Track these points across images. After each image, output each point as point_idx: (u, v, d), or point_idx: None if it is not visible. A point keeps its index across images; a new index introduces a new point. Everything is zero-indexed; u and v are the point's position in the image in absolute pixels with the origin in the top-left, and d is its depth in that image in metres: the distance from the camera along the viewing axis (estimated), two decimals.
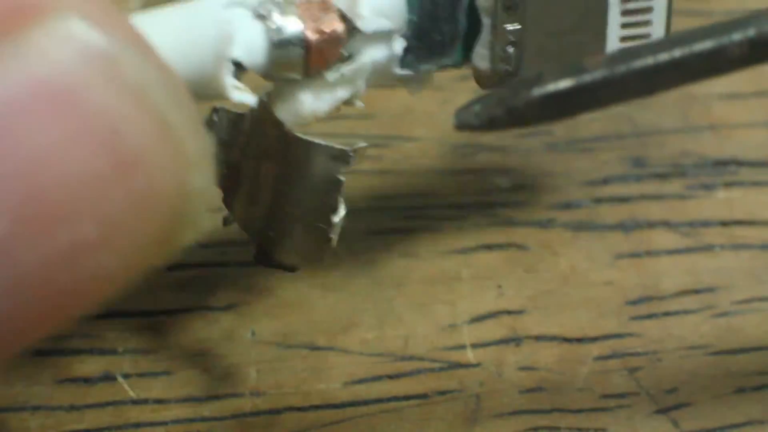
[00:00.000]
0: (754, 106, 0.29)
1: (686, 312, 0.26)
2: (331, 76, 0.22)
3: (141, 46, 0.19)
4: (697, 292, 0.27)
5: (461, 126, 0.22)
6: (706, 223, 0.27)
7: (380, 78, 0.23)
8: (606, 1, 0.24)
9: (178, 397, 0.25)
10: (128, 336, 0.25)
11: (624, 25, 0.24)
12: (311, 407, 0.25)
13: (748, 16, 0.21)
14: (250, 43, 0.21)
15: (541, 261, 0.27)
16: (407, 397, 0.25)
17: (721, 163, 0.28)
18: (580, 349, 0.26)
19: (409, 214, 0.28)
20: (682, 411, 0.25)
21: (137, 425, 0.25)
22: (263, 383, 0.25)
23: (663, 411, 0.25)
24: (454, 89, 0.29)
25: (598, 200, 0.28)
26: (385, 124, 0.28)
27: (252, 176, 0.23)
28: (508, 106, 0.21)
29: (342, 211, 0.22)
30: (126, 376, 0.25)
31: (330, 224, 0.22)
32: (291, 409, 0.25)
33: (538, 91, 0.21)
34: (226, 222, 0.24)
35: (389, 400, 0.25)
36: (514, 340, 0.26)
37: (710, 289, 0.27)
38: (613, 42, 0.24)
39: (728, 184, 0.28)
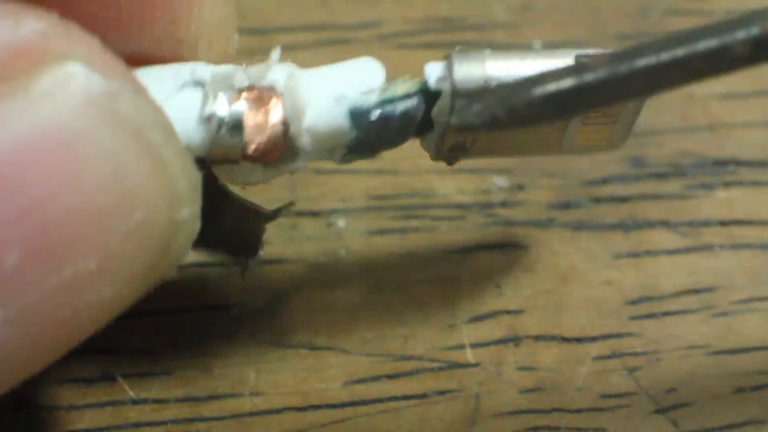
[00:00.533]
0: (753, 105, 0.29)
1: (685, 312, 0.26)
2: (270, 169, 0.23)
3: (137, 87, 0.19)
4: (696, 291, 0.27)
5: (462, 126, 0.22)
6: (705, 223, 0.28)
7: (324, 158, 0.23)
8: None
9: (177, 397, 0.25)
10: (128, 336, 0.25)
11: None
12: (311, 407, 0.25)
13: (752, 14, 0.21)
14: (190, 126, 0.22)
15: (540, 261, 0.27)
16: (406, 397, 0.25)
17: (721, 163, 0.28)
18: (579, 349, 0.26)
19: (409, 214, 0.28)
20: (682, 411, 0.25)
21: (137, 425, 0.25)
22: (263, 383, 0.25)
23: (662, 411, 0.25)
24: None
25: (598, 200, 0.28)
26: None
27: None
28: (509, 106, 0.21)
29: (259, 257, 0.23)
30: (126, 376, 0.25)
31: (246, 269, 0.23)
32: (290, 409, 0.25)
33: (539, 91, 0.21)
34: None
35: (388, 399, 0.25)
36: (514, 340, 0.26)
37: (709, 289, 0.27)
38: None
39: (727, 184, 0.28)
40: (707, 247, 0.27)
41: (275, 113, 0.23)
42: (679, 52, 0.21)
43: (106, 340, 0.25)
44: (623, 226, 0.28)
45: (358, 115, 0.23)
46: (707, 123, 0.29)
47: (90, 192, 0.18)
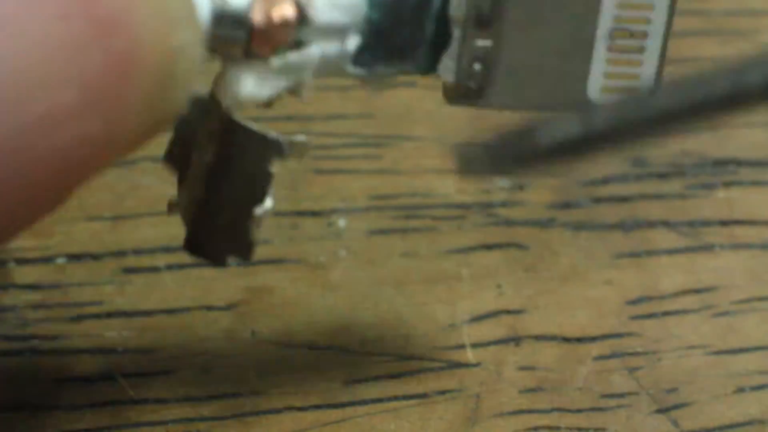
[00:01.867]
0: None
1: (686, 311, 0.26)
2: (275, 61, 0.21)
3: None
4: (696, 291, 0.27)
5: (466, 173, 0.21)
6: (705, 223, 0.28)
7: (331, 72, 0.22)
8: (593, 35, 0.23)
9: (178, 397, 0.25)
10: (128, 336, 0.25)
11: (610, 61, 0.23)
12: (311, 407, 0.25)
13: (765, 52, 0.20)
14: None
15: (540, 261, 0.27)
16: (407, 397, 0.25)
17: (721, 163, 0.28)
18: (579, 348, 0.26)
19: (409, 214, 0.28)
20: (682, 410, 0.25)
21: (137, 425, 0.25)
22: (263, 383, 0.25)
23: (663, 410, 0.25)
24: None
25: (598, 200, 0.28)
26: (385, 123, 0.28)
27: (195, 163, 0.23)
28: (515, 155, 0.20)
29: (267, 206, 0.21)
30: (126, 376, 0.25)
31: (253, 218, 0.21)
32: (291, 408, 0.25)
33: (546, 140, 0.20)
34: (170, 209, 0.23)
35: (389, 399, 0.25)
36: (514, 340, 0.26)
37: (710, 289, 0.27)
38: (597, 77, 0.23)
39: (728, 184, 0.28)
40: (708, 247, 0.27)
41: None
42: (691, 99, 0.19)
43: (106, 340, 0.25)
44: (624, 226, 0.28)
45: None
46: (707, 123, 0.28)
47: (53, 17, 0.17)
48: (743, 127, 0.29)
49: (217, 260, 0.22)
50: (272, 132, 0.22)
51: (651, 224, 0.27)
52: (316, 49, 0.21)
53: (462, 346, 0.26)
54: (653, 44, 0.23)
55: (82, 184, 0.19)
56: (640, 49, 0.23)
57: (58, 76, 0.17)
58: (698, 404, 0.25)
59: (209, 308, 0.26)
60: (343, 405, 0.25)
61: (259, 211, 0.21)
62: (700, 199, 0.28)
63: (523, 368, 0.26)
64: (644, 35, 0.23)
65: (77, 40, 0.17)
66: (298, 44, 0.21)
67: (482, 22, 0.22)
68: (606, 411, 0.25)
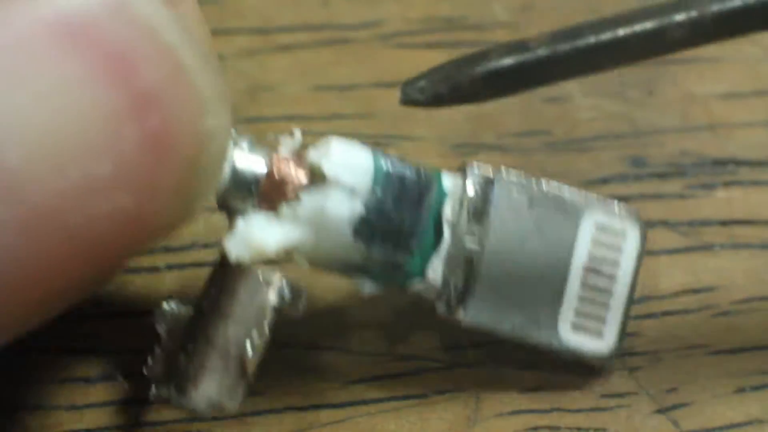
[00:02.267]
0: (753, 105, 0.29)
1: (686, 311, 0.26)
2: (285, 209, 0.23)
3: None
4: (696, 291, 0.27)
5: (407, 101, 0.22)
6: (705, 223, 0.27)
7: (330, 243, 0.23)
8: (567, 269, 0.24)
9: None
10: (128, 336, 0.25)
11: (582, 299, 0.24)
12: (311, 407, 0.25)
13: None
14: None
15: None
16: (407, 397, 0.25)
17: (721, 163, 0.28)
18: None
19: None
20: (682, 410, 0.25)
21: (137, 425, 0.25)
22: (263, 383, 0.25)
23: (663, 411, 0.25)
24: None
25: None
26: (385, 123, 0.28)
27: (191, 323, 0.24)
28: (452, 83, 0.21)
29: (262, 342, 0.22)
30: (126, 376, 0.25)
31: (247, 356, 0.22)
32: (291, 408, 0.25)
33: (482, 68, 0.21)
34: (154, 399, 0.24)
35: (389, 399, 0.25)
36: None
37: (710, 289, 0.27)
38: (568, 313, 0.24)
39: (728, 184, 0.28)
40: (707, 247, 0.27)
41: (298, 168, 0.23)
42: (620, 32, 0.21)
43: (106, 340, 0.25)
44: None
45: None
46: (707, 123, 0.29)
47: (96, 90, 0.18)
48: (743, 127, 0.29)
49: (199, 411, 0.22)
50: (276, 278, 0.23)
51: (651, 224, 0.27)
52: (322, 202, 0.23)
53: (462, 346, 0.26)
54: (619, 294, 0.25)
55: (113, 266, 0.19)
56: (609, 294, 0.25)
57: (96, 147, 0.18)
58: (698, 404, 0.25)
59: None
60: (343, 405, 0.25)
61: (251, 351, 0.22)
62: (700, 199, 0.28)
63: (523, 368, 0.26)
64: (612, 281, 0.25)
65: (116, 113, 0.18)
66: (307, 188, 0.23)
67: (475, 215, 0.24)
68: (606, 411, 0.25)
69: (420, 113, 0.28)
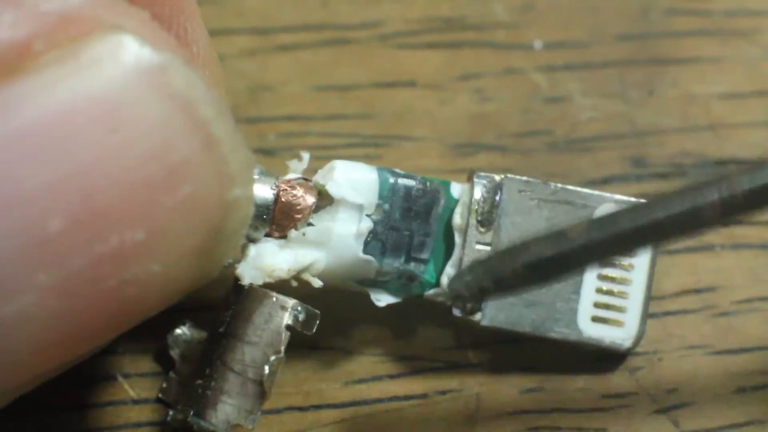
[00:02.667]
0: (754, 105, 0.29)
1: (686, 312, 0.26)
2: (294, 234, 0.24)
3: (187, 59, 0.19)
4: (697, 291, 0.27)
5: (454, 298, 0.23)
6: None
7: (342, 261, 0.24)
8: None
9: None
10: (128, 336, 0.25)
11: (599, 290, 0.25)
12: (312, 407, 0.25)
13: (719, 177, 0.22)
14: None
15: None
16: (407, 397, 0.25)
17: (721, 163, 0.28)
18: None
19: None
20: (683, 410, 0.25)
21: (137, 425, 0.25)
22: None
23: (663, 411, 0.25)
24: (454, 89, 0.29)
25: None
26: (385, 124, 0.28)
27: (207, 347, 0.24)
28: (495, 276, 0.22)
29: (279, 363, 0.23)
30: (126, 376, 0.25)
31: (265, 378, 0.23)
32: (291, 408, 0.25)
33: (523, 260, 0.22)
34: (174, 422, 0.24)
35: (389, 399, 0.25)
36: (514, 340, 0.26)
37: (710, 289, 0.27)
38: (588, 296, 0.25)
39: None
40: (708, 247, 0.27)
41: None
42: (652, 218, 0.22)
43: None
44: None
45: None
46: (708, 123, 0.29)
47: (136, 162, 0.18)
48: (744, 127, 0.29)
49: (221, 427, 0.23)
50: (290, 300, 0.23)
51: None
52: (330, 223, 0.24)
53: (463, 347, 0.26)
54: (638, 282, 0.25)
55: (134, 322, 0.20)
56: (627, 284, 0.25)
57: (132, 215, 0.18)
58: (698, 404, 0.25)
59: (210, 308, 0.26)
60: (343, 405, 0.25)
61: (268, 368, 0.23)
62: None
63: (523, 368, 0.26)
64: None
65: (153, 183, 0.19)
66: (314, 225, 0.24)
67: (483, 222, 0.24)
68: (606, 411, 0.25)
69: (420, 113, 0.28)
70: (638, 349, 0.26)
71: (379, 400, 0.25)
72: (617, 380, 0.26)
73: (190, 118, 0.19)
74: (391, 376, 0.25)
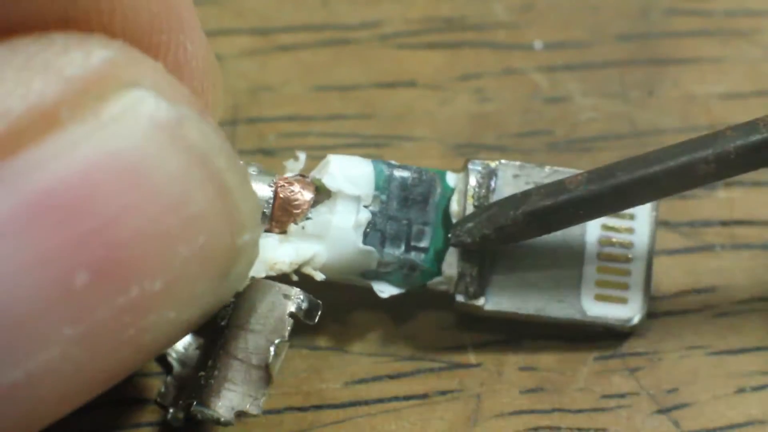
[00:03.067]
0: (754, 106, 0.29)
1: (687, 312, 0.26)
2: (293, 228, 0.24)
3: (202, 112, 0.20)
4: (697, 291, 0.27)
5: (456, 243, 0.24)
6: (706, 223, 0.27)
7: (343, 254, 0.24)
8: (582, 244, 0.25)
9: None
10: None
11: (600, 269, 0.25)
12: (311, 407, 0.25)
13: (713, 135, 0.23)
14: None
15: None
16: (408, 397, 0.25)
17: None
18: (580, 349, 0.26)
19: None
20: (683, 411, 0.25)
21: (137, 425, 0.25)
22: None
23: (663, 411, 0.25)
24: (454, 89, 0.29)
25: None
26: (385, 124, 0.28)
27: (208, 343, 0.24)
28: (496, 225, 0.23)
29: (283, 348, 0.23)
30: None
31: (270, 363, 0.23)
32: (291, 409, 0.25)
33: (522, 210, 0.23)
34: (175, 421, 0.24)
35: (390, 400, 0.25)
36: (515, 341, 0.26)
37: (711, 289, 0.27)
38: (590, 276, 0.25)
39: (729, 184, 0.28)
40: (708, 247, 0.27)
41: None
42: (649, 171, 0.23)
43: None
44: None
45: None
46: (708, 123, 0.28)
47: (156, 215, 0.19)
48: None
49: (221, 419, 0.23)
50: (293, 289, 0.23)
51: None
52: (329, 216, 0.24)
53: (463, 346, 0.26)
54: (639, 259, 0.25)
55: (146, 360, 0.21)
56: (628, 261, 0.25)
57: (151, 265, 0.19)
58: (699, 404, 0.25)
59: None
60: (343, 405, 0.25)
61: (273, 352, 0.23)
62: (701, 199, 0.28)
63: (523, 368, 0.26)
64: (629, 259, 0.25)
65: (169, 235, 0.19)
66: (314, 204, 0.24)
67: (479, 205, 0.25)
68: (607, 411, 0.25)
69: (420, 113, 0.28)
70: (638, 349, 0.26)
71: (380, 401, 0.25)
72: (617, 380, 0.26)
73: (206, 170, 0.20)
74: (391, 376, 0.25)
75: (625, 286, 0.25)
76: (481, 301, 0.25)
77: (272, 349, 0.23)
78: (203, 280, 0.20)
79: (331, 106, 0.28)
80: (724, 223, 0.27)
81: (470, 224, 0.24)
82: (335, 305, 0.26)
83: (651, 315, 0.26)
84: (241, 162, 0.21)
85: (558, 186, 0.23)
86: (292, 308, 0.23)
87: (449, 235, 0.24)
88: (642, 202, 0.24)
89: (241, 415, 0.23)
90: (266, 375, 0.23)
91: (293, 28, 0.29)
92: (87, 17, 0.20)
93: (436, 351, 0.26)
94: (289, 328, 0.23)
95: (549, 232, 0.24)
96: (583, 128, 0.28)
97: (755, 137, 0.23)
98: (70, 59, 0.19)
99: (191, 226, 0.19)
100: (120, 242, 0.19)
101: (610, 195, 0.23)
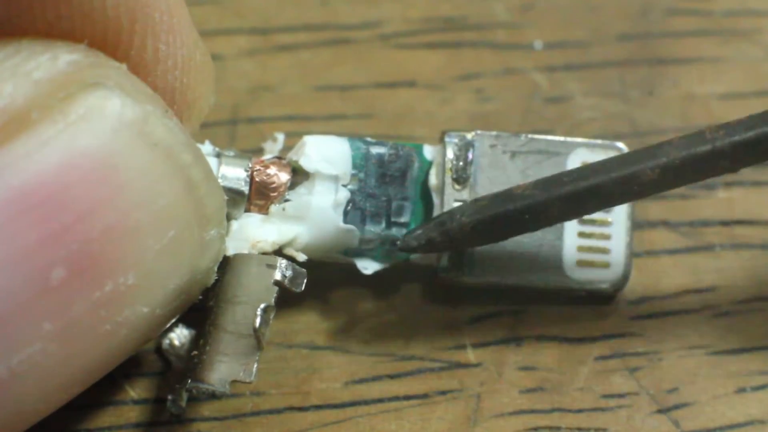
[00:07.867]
0: (754, 106, 0.29)
1: (687, 311, 0.26)
2: (274, 209, 0.24)
3: (165, 109, 0.20)
4: (697, 291, 0.27)
5: (404, 248, 0.24)
6: (706, 223, 0.27)
7: (324, 233, 0.24)
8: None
9: None
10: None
11: (582, 234, 0.25)
12: (311, 407, 0.25)
13: (659, 145, 0.23)
14: None
15: None
16: (408, 397, 0.25)
17: None
18: (580, 348, 0.26)
19: None
20: (683, 410, 0.25)
21: (137, 425, 0.25)
22: (264, 383, 0.25)
23: (663, 411, 0.25)
24: (454, 89, 0.29)
25: None
26: (385, 124, 0.28)
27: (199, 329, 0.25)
28: (443, 230, 0.23)
29: (270, 313, 0.23)
30: (126, 376, 0.25)
31: (259, 329, 0.23)
32: (291, 408, 0.25)
33: (470, 218, 0.23)
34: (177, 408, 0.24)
35: (390, 399, 0.25)
36: (515, 340, 0.26)
37: (711, 289, 0.27)
38: (571, 241, 0.25)
39: (728, 184, 0.28)
40: (708, 247, 0.27)
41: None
42: (593, 180, 0.23)
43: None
44: None
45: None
46: (708, 123, 0.28)
47: (127, 209, 0.20)
48: None
49: (214, 391, 0.23)
50: (276, 258, 0.23)
51: (652, 224, 0.27)
52: (308, 196, 0.24)
53: (463, 346, 0.26)
54: (619, 221, 0.26)
55: (117, 364, 0.21)
56: (608, 225, 0.25)
57: (124, 259, 0.20)
58: (699, 404, 0.25)
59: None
60: (343, 405, 0.25)
61: (259, 321, 0.23)
62: (701, 199, 0.28)
63: (523, 368, 0.26)
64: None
65: (140, 230, 0.20)
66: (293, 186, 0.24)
67: (458, 180, 0.25)
68: (606, 411, 0.25)
69: (420, 113, 0.28)
70: (638, 349, 0.26)
71: (380, 400, 0.25)
72: (617, 380, 0.26)
73: (173, 164, 0.20)
74: (391, 376, 0.25)
75: (606, 251, 0.25)
76: (464, 272, 0.25)
77: (259, 312, 0.23)
78: (173, 276, 0.21)
79: (331, 106, 0.28)
80: (724, 223, 0.27)
81: (419, 231, 0.24)
82: (336, 305, 0.26)
83: (651, 315, 0.26)
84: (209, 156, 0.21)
85: (506, 194, 0.23)
86: (277, 276, 0.23)
87: (398, 242, 0.24)
88: (590, 211, 0.24)
89: (235, 384, 0.23)
90: (256, 341, 0.23)
91: (293, 28, 0.29)
92: (48, 23, 0.20)
93: (436, 351, 0.26)
94: (275, 295, 0.23)
95: (497, 240, 0.24)
96: (583, 128, 0.28)
97: (701, 148, 0.23)
98: (38, 63, 0.19)
99: (160, 219, 0.20)
100: (93, 237, 0.19)
101: (556, 204, 0.23)
